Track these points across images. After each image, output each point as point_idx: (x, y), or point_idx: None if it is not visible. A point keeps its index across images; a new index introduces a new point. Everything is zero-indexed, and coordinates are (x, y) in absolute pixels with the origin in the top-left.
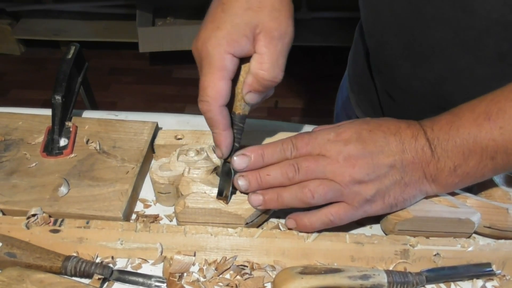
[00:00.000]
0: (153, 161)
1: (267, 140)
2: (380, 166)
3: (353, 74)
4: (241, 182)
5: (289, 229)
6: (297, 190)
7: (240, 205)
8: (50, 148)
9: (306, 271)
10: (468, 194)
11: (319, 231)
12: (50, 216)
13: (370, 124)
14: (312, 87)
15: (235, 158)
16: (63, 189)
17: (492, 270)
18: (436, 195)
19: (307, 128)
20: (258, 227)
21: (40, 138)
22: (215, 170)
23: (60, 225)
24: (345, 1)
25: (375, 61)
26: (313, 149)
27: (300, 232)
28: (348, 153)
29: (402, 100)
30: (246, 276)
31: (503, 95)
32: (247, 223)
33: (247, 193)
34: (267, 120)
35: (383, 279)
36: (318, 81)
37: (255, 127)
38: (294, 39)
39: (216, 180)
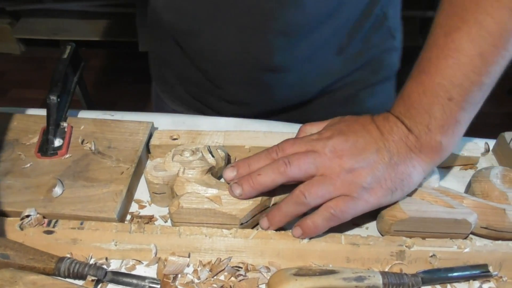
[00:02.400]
0: (148, 161)
1: (266, 141)
2: (366, 153)
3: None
4: (235, 190)
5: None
6: (290, 195)
7: (235, 205)
8: (45, 148)
9: (301, 272)
10: (465, 195)
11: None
12: (44, 217)
13: (346, 120)
14: None
15: (224, 171)
16: (57, 190)
17: (489, 272)
18: (433, 169)
19: None
20: (253, 227)
21: (35, 139)
22: (210, 170)
23: (54, 226)
24: None
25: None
26: (299, 148)
27: (308, 237)
28: (333, 146)
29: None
30: (241, 277)
31: (426, 55)
32: (241, 224)
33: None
34: (266, 120)
35: (378, 280)
36: None
37: (254, 128)
38: None
39: (211, 180)
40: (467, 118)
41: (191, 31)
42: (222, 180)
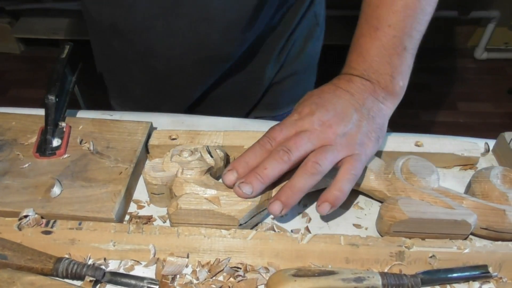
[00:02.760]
0: (146, 162)
1: None
2: (349, 115)
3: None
4: (244, 189)
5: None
6: (302, 169)
7: (233, 206)
8: (43, 148)
9: (300, 273)
10: (464, 195)
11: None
12: (42, 217)
13: (314, 94)
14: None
15: (223, 177)
16: (55, 190)
17: (489, 272)
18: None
19: None
20: (252, 228)
21: (33, 139)
22: (208, 171)
23: (52, 227)
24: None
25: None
26: (289, 132)
27: (336, 206)
28: (319, 119)
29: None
30: (240, 278)
31: (375, 13)
32: (240, 224)
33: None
34: (265, 120)
35: (378, 281)
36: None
37: (253, 128)
38: None
39: (210, 181)
40: (412, 62)
41: (142, 28)
42: (220, 180)
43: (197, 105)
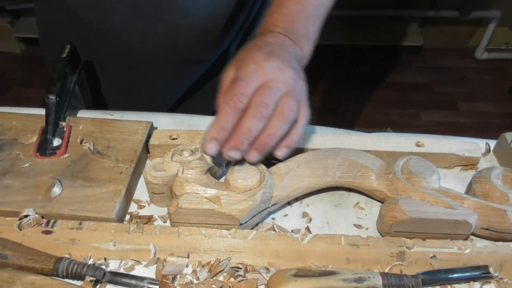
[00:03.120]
0: (147, 161)
1: None
2: (292, 64)
3: None
4: (232, 154)
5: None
6: (278, 120)
7: (234, 205)
8: (44, 148)
9: (300, 273)
10: (465, 195)
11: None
12: (42, 217)
13: (257, 44)
14: (313, 85)
15: (203, 149)
16: (56, 190)
17: (489, 273)
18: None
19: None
20: (252, 228)
21: (34, 138)
22: (209, 170)
23: (52, 226)
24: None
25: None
26: (255, 84)
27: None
28: (276, 65)
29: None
30: (240, 278)
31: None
32: (241, 224)
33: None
34: None
35: (378, 281)
36: (319, 79)
37: None
38: None
39: (210, 180)
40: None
41: (121, 31)
42: (221, 180)
43: (176, 107)
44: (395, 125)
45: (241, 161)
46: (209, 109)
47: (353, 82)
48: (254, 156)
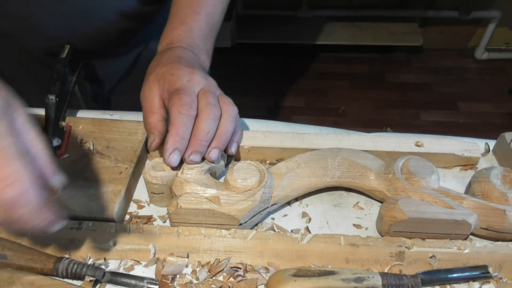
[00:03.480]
0: (147, 161)
1: (265, 141)
2: (202, 69)
3: None
4: (194, 157)
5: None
6: (227, 116)
7: (233, 205)
8: None
9: (300, 273)
10: (464, 195)
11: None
12: None
13: (172, 58)
14: (313, 85)
15: (167, 161)
16: None
17: (489, 273)
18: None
19: (306, 129)
20: (252, 228)
21: None
22: (209, 170)
23: None
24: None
25: None
26: (196, 92)
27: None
28: (202, 76)
29: None
30: (239, 278)
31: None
32: (240, 224)
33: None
34: (266, 120)
35: (378, 281)
36: (319, 79)
37: (253, 128)
38: (295, 37)
39: (210, 180)
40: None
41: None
42: (221, 180)
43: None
44: (395, 125)
45: (241, 162)
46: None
47: (353, 82)
48: (214, 153)
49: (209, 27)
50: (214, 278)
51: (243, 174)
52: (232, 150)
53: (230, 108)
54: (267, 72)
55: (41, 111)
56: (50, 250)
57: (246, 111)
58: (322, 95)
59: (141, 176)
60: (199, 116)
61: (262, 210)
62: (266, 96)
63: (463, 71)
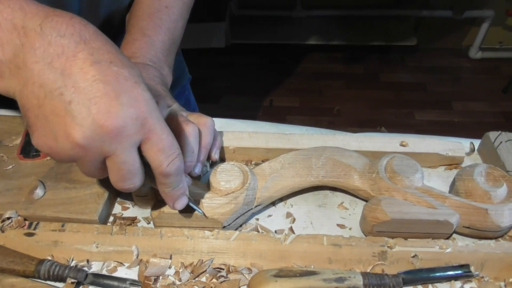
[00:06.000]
0: None
1: (250, 141)
2: (161, 86)
3: None
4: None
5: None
6: (190, 132)
7: (216, 209)
8: (28, 150)
9: (281, 274)
10: (447, 194)
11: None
12: (25, 219)
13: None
14: (307, 85)
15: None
16: (38, 192)
17: (471, 272)
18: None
19: (292, 129)
20: (236, 229)
21: (18, 140)
22: None
23: (35, 228)
24: None
25: None
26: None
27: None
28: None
29: None
30: (222, 279)
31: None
32: (224, 226)
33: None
34: (253, 120)
35: (359, 281)
36: (313, 79)
37: (240, 128)
38: (289, 37)
39: (193, 183)
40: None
41: None
42: (203, 182)
43: None
44: (389, 125)
45: (224, 164)
46: None
47: (347, 82)
48: (198, 168)
49: (170, 42)
50: (197, 279)
51: (226, 176)
52: (216, 157)
53: (207, 121)
54: (261, 72)
55: None
56: (32, 252)
57: (241, 111)
58: (317, 95)
59: None
60: (180, 137)
61: (246, 212)
62: (260, 96)
63: (458, 71)
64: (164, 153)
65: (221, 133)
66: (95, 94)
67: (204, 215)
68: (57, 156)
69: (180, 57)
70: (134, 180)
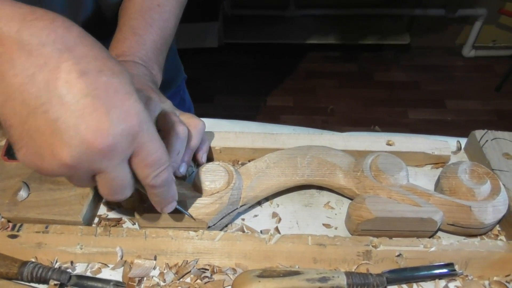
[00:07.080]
0: None
1: (237, 141)
2: (151, 85)
3: None
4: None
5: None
6: (177, 133)
7: (201, 209)
8: (12, 152)
9: (265, 274)
10: (432, 192)
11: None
12: (8, 221)
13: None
14: (301, 84)
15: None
16: (22, 193)
17: (455, 270)
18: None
19: (279, 129)
20: (221, 229)
21: (2, 142)
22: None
23: (18, 230)
24: None
25: None
26: (157, 136)
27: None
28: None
29: None
30: (206, 279)
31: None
32: (209, 227)
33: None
34: (240, 120)
35: (343, 281)
36: (307, 79)
37: (227, 128)
38: (283, 37)
39: (180, 184)
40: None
41: None
42: (187, 182)
43: None
44: (383, 124)
45: (209, 164)
46: None
47: (341, 81)
48: (183, 167)
49: (161, 41)
50: (181, 280)
51: (211, 176)
52: (203, 160)
53: (198, 123)
54: (255, 72)
55: None
56: (16, 254)
57: (235, 111)
58: (311, 94)
59: None
60: (169, 137)
61: (231, 212)
62: (254, 96)
63: (451, 69)
64: (151, 168)
65: (211, 133)
66: (83, 110)
67: (192, 218)
68: (45, 173)
69: (176, 57)
70: (125, 192)
